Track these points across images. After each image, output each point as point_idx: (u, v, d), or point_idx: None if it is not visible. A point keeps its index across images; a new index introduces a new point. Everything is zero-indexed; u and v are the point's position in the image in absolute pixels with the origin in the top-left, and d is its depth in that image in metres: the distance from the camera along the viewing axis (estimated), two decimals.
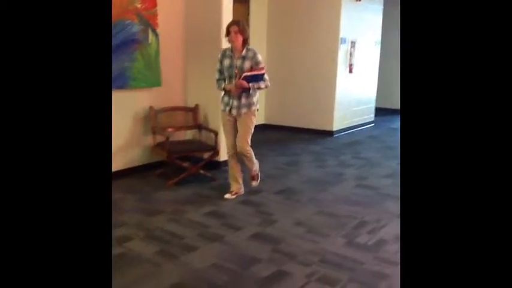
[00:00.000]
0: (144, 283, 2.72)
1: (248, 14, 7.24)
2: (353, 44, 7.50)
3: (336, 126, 7.53)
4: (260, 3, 7.47)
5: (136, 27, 4.57)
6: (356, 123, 8.16)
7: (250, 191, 4.39)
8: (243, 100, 4.00)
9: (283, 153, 6.12)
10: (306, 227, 3.55)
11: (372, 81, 8.49)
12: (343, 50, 7.26)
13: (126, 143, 4.86)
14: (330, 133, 7.46)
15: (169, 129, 4.89)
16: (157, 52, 4.81)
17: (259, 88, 4.01)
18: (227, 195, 4.20)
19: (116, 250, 3.07)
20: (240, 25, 3.88)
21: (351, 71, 7.56)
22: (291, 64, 7.56)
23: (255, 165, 4.34)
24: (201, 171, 4.56)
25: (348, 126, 7.94)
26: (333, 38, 7.17)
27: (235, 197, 4.21)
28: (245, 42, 3.95)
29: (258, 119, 8.03)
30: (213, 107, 4.96)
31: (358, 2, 7.34)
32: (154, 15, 4.71)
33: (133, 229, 3.41)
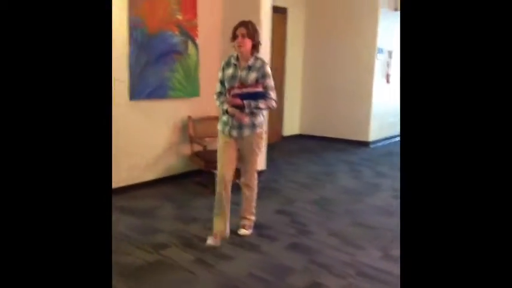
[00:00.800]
0: None
1: (285, 24, 7.31)
2: (390, 53, 7.44)
3: (372, 137, 7.45)
4: (298, 12, 7.52)
5: (177, 39, 4.69)
6: (393, 134, 8.04)
7: (285, 200, 4.40)
8: (246, 119, 3.30)
9: (318, 163, 6.11)
10: (341, 238, 3.53)
11: None
12: (380, 60, 7.21)
13: (165, 151, 4.96)
14: (366, 143, 7.39)
15: (207, 139, 4.96)
16: (196, 63, 4.93)
17: (257, 108, 3.25)
18: (209, 241, 3.34)
19: (152, 257, 3.14)
20: (249, 27, 3.22)
21: (388, 81, 7.49)
22: (328, 73, 7.55)
23: (255, 205, 3.64)
24: (237, 181, 4.65)
25: (384, 136, 7.83)
26: (370, 48, 7.13)
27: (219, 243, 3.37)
28: (254, 48, 3.27)
29: (293, 129, 8.18)
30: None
31: (396, 12, 7.28)
32: (195, 26, 4.83)
33: (170, 237, 3.47)
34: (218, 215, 3.44)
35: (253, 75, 3.24)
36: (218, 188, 3.43)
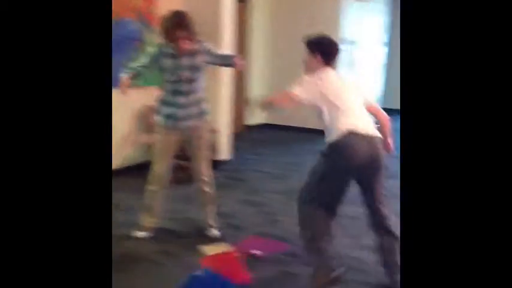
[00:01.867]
0: (146, 282, 2.69)
1: (248, 13, 7.22)
2: (353, 44, 7.48)
3: None
4: (261, 2, 7.44)
5: (136, 26, 4.53)
6: None
7: (252, 190, 4.34)
8: (193, 109, 3.14)
9: (284, 153, 6.07)
10: None
11: (376, 82, 8.49)
12: (343, 51, 7.24)
13: (123, 141, 4.84)
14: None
15: None
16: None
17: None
18: (140, 234, 3.25)
19: (116, 249, 3.03)
20: (189, 27, 2.94)
21: (352, 72, 7.53)
22: (293, 64, 7.48)
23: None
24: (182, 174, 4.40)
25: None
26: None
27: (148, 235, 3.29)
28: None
29: (259, 118, 8.12)
30: (214, 105, 4.90)
31: (359, 2, 7.32)
32: (154, 13, 4.67)
33: (132, 229, 3.35)
34: (149, 212, 3.30)
35: (199, 59, 3.04)
36: (154, 186, 3.28)
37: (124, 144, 4.93)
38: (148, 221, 3.30)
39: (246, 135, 7.23)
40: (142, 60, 3.16)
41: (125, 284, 2.63)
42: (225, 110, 5.09)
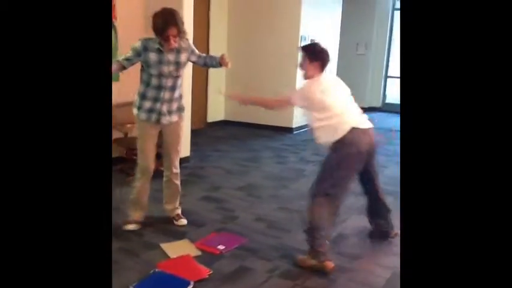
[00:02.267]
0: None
1: (208, 7, 7.21)
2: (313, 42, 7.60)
3: (295, 123, 7.62)
4: None
5: None
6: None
7: (211, 187, 4.38)
8: (174, 105, 3.25)
9: (243, 149, 6.14)
10: (267, 222, 3.58)
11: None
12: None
13: None
14: (289, 130, 7.54)
15: (128, 125, 4.80)
16: (115, 46, 4.70)
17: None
18: (131, 226, 3.31)
19: None
20: (179, 25, 3.02)
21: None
22: (252, 61, 7.57)
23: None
24: (162, 168, 4.51)
25: (307, 123, 8.04)
26: (293, 36, 7.24)
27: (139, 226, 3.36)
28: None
29: (218, 115, 8.13)
30: None
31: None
32: (112, 7, 4.57)
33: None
34: (137, 205, 3.38)
35: (183, 56, 3.17)
36: (141, 180, 3.34)
37: None
38: (137, 214, 3.37)
39: (205, 132, 7.26)
40: (128, 53, 3.17)
41: None
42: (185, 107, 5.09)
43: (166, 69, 3.13)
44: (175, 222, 3.40)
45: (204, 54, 3.36)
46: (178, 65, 3.18)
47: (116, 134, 4.78)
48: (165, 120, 3.22)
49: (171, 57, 3.13)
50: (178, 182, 3.41)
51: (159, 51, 3.11)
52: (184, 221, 3.42)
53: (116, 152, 4.77)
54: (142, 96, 3.20)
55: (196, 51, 3.28)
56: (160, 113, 3.19)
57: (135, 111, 3.22)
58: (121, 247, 3.01)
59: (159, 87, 3.12)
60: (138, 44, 3.14)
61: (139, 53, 3.12)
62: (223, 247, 3.02)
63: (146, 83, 3.18)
